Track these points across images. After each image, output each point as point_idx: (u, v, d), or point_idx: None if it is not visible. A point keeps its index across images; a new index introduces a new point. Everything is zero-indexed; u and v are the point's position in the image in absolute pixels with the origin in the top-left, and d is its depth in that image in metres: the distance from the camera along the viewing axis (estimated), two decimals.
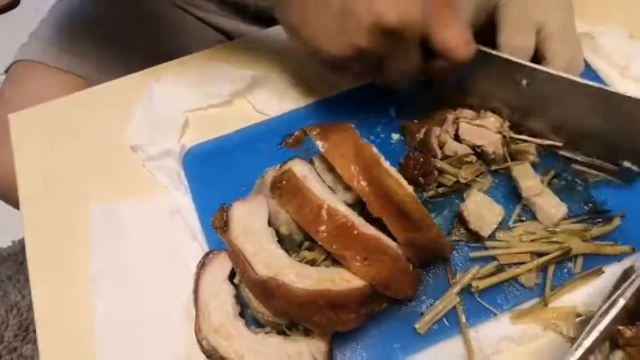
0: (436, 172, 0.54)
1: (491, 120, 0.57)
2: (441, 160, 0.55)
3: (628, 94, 0.51)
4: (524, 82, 0.53)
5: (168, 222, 0.58)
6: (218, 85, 0.66)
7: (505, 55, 0.54)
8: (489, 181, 0.57)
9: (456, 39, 0.50)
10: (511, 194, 0.57)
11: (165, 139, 0.62)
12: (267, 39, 0.71)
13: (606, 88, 0.51)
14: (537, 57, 0.56)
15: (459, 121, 0.57)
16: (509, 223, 0.56)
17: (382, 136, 0.62)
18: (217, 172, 0.60)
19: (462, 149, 0.55)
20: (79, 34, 0.77)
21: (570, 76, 0.52)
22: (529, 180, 0.55)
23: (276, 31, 0.71)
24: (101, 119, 0.66)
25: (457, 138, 0.57)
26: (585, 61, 0.63)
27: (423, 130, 0.56)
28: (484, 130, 0.56)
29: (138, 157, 0.62)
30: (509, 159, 0.56)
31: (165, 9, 0.79)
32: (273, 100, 0.65)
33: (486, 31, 0.56)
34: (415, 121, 0.60)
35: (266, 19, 0.72)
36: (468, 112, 0.58)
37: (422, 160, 0.53)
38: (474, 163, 0.56)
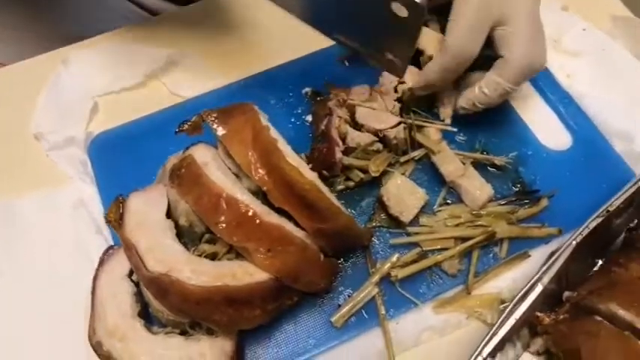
0: (340, 164, 0.51)
1: (381, 101, 0.53)
2: (343, 152, 0.51)
3: None
4: None
5: (71, 215, 0.54)
6: (131, 66, 0.61)
7: None
8: (412, 165, 0.54)
9: None
10: (436, 177, 0.54)
11: (71, 126, 0.57)
12: (184, 17, 0.66)
13: None
14: (493, 50, 0.51)
15: (350, 102, 0.53)
16: (435, 207, 0.53)
17: (304, 117, 0.58)
18: (126, 161, 0.56)
19: (365, 138, 0.52)
20: None
21: None
22: (450, 164, 0.52)
23: (194, 9, 0.66)
24: (2, 106, 0.60)
25: (356, 124, 0.53)
26: None
27: (325, 122, 0.52)
28: (381, 112, 0.53)
29: (41, 146, 0.57)
30: (409, 144, 0.53)
31: None
32: (189, 80, 0.61)
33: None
34: (320, 98, 0.57)
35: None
36: (358, 90, 0.54)
37: (325, 150, 0.49)
38: (381, 151, 0.52)
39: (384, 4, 0.42)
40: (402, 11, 0.41)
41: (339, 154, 0.51)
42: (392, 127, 0.53)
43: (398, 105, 0.55)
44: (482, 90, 0.51)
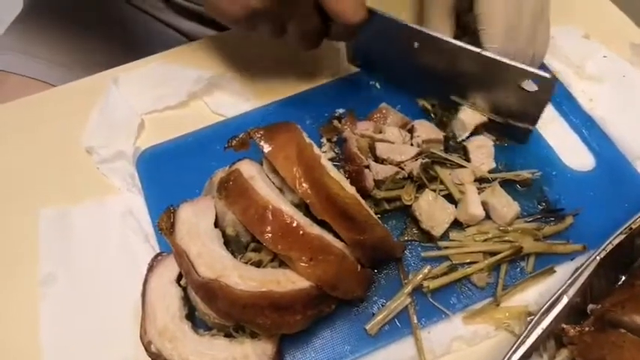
0: (372, 187, 0.54)
1: (398, 134, 0.57)
2: (375, 185, 0.54)
3: (505, 60, 0.52)
4: (415, 44, 0.56)
5: (120, 224, 0.57)
6: (175, 87, 0.66)
7: (396, 18, 0.55)
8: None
9: (344, 3, 0.50)
10: None
11: (120, 141, 0.61)
12: (225, 41, 0.70)
13: (484, 52, 0.53)
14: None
15: (364, 134, 0.57)
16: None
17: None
18: (171, 174, 0.60)
19: (389, 170, 0.54)
20: (37, 39, 0.76)
21: (452, 40, 0.54)
22: (472, 205, 0.54)
23: (233, 34, 0.71)
24: (57, 122, 0.65)
25: (377, 159, 0.56)
26: (542, 63, 0.63)
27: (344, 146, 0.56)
28: (399, 145, 0.56)
29: (92, 159, 0.62)
30: (425, 180, 0.55)
31: (123, 9, 0.78)
32: (230, 101, 0.65)
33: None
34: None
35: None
36: (363, 125, 0.58)
37: (356, 169, 0.52)
38: (407, 178, 0.55)
39: (516, 81, 0.50)
40: (532, 86, 0.48)
41: (370, 181, 0.54)
42: (412, 159, 0.55)
43: (408, 135, 0.58)
44: None
